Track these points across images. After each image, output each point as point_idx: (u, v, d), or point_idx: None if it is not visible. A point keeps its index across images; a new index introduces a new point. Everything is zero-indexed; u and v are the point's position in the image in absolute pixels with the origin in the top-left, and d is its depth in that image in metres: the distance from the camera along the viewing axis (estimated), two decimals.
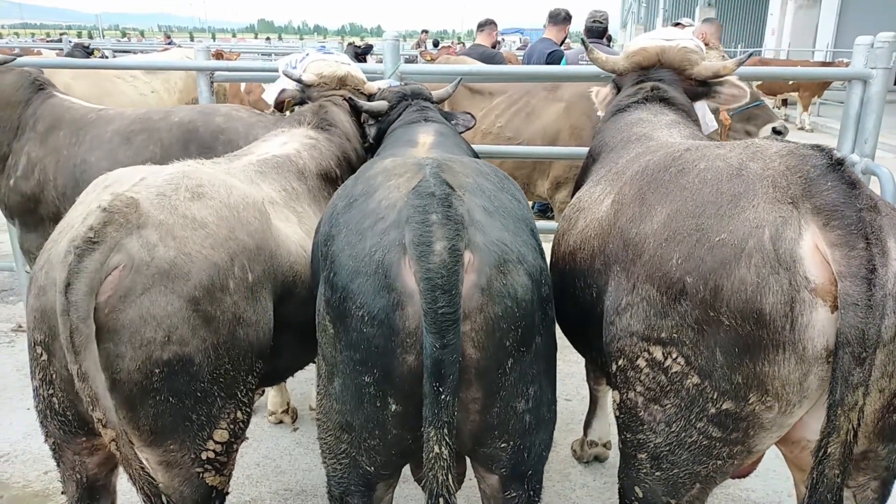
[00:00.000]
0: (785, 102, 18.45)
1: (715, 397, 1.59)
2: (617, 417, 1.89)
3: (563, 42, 7.51)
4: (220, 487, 1.98)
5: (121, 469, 1.89)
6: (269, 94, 3.62)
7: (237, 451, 2.03)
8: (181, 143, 3.47)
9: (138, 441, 1.82)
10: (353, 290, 1.67)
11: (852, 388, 1.40)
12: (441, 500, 1.60)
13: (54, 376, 1.78)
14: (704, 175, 1.71)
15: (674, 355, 1.64)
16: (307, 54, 3.53)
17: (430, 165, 1.82)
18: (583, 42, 3.64)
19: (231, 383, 1.91)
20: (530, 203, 7.40)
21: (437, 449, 1.57)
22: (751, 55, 3.77)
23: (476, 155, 3.05)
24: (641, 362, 1.73)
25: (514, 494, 1.87)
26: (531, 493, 1.88)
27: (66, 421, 1.83)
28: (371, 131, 3.33)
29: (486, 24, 8.19)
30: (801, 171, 1.52)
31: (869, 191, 1.47)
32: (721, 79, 3.00)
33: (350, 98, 3.35)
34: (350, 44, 10.00)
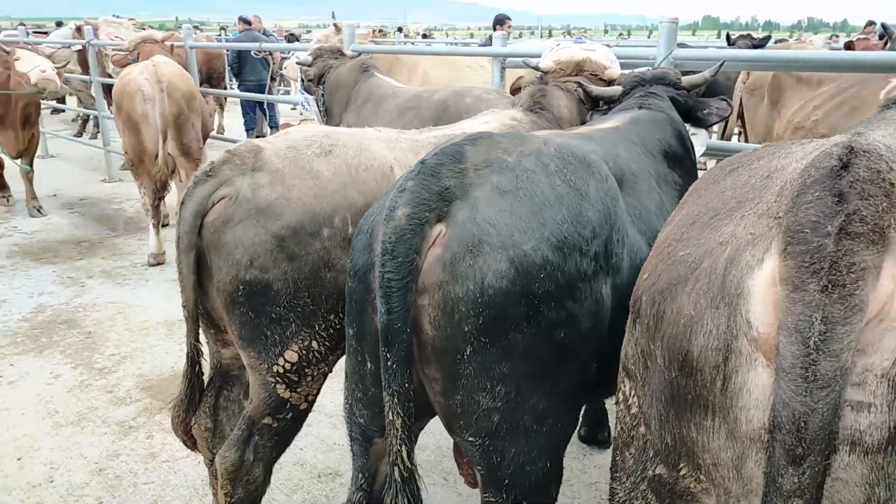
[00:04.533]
0: None
1: (651, 456, 1.22)
2: None
3: None
4: (295, 403, 2.29)
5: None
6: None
7: (316, 377, 2.30)
8: (434, 120, 3.85)
9: (236, 342, 2.26)
10: (354, 245, 1.77)
11: (783, 497, 0.94)
12: (395, 469, 1.62)
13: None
14: (742, 175, 1.28)
15: (631, 392, 1.30)
16: (558, 44, 3.52)
17: (468, 137, 1.76)
18: (883, 27, 2.77)
19: (309, 315, 2.19)
20: None
21: (390, 416, 1.58)
22: None
23: (669, 151, 2.64)
24: (620, 395, 1.41)
25: (493, 500, 1.72)
26: None
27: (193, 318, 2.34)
28: (590, 118, 3.18)
29: None
30: (804, 175, 1.03)
31: (871, 209, 0.90)
32: None
33: (580, 83, 3.25)
34: (747, 35, 9.17)
